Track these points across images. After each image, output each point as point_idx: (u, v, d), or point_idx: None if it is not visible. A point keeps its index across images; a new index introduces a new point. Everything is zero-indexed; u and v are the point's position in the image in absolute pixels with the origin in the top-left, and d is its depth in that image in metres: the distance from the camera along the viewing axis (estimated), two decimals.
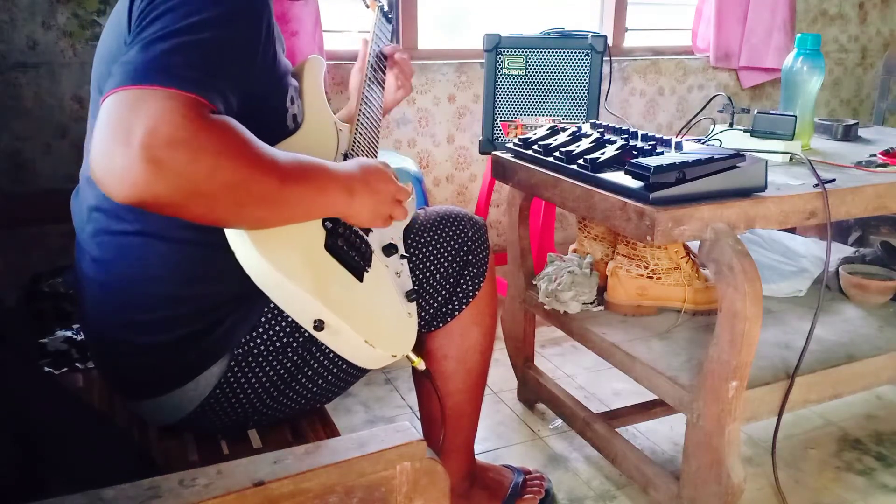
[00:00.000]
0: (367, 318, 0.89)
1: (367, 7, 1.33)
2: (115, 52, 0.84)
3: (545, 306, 1.57)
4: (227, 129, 0.73)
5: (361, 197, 0.88)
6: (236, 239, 0.80)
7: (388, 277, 0.99)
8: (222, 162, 0.70)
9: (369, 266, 0.95)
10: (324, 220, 0.90)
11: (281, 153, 0.79)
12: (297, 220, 0.83)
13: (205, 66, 0.74)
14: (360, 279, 0.92)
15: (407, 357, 0.96)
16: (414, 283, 1.09)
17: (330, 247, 0.89)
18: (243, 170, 0.73)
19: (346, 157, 1.05)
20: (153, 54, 0.72)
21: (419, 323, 1.12)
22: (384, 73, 1.27)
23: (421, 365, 0.99)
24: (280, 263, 0.80)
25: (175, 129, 0.68)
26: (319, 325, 0.83)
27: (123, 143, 0.66)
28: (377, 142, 1.17)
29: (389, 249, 1.02)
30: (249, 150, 0.74)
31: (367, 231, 1.00)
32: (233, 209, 0.74)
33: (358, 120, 1.12)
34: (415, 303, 1.03)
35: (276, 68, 0.93)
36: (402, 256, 1.06)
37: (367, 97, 1.17)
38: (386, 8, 1.33)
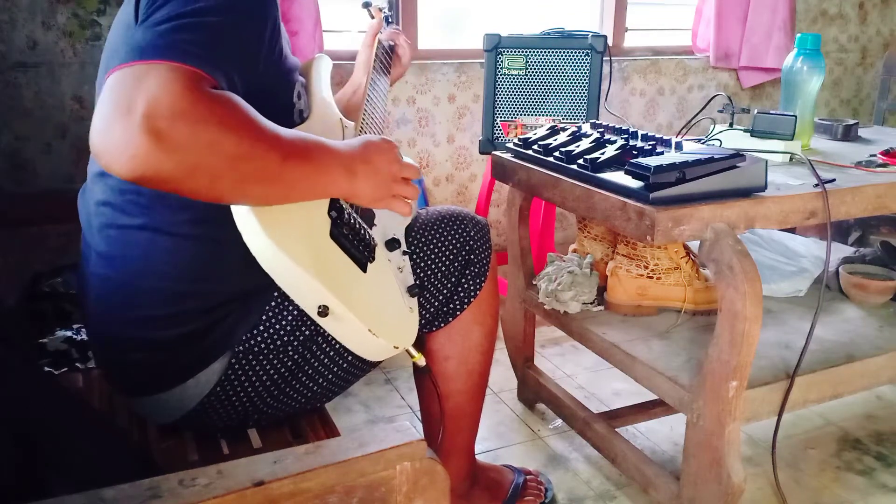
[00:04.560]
0: (370, 308, 0.89)
1: (372, 17, 1.36)
2: (121, 43, 0.84)
3: (545, 306, 1.57)
4: (229, 102, 0.72)
5: (363, 176, 0.87)
6: (245, 222, 0.80)
7: (391, 271, 1.00)
8: (224, 134, 0.70)
9: (373, 258, 0.95)
10: (329, 210, 0.90)
11: (284, 129, 0.78)
12: (299, 198, 0.82)
13: (209, 45, 0.74)
14: (364, 270, 0.92)
15: (407, 352, 0.96)
16: (415, 281, 1.09)
17: (335, 236, 0.89)
18: (245, 143, 0.72)
19: None
20: (157, 33, 0.73)
21: (420, 322, 1.12)
22: (389, 65, 1.29)
23: (421, 361, 0.99)
24: (287, 247, 0.81)
25: (176, 100, 0.67)
26: (324, 310, 0.83)
27: (124, 115, 0.66)
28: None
29: (392, 244, 1.02)
30: (252, 123, 0.74)
31: (371, 224, 1.00)
32: (234, 184, 0.74)
33: (363, 118, 1.12)
34: (416, 298, 1.03)
35: (283, 63, 0.93)
36: (405, 252, 1.06)
37: (371, 96, 1.18)
38: (391, 18, 1.36)
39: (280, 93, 0.94)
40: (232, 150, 0.71)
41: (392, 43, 1.34)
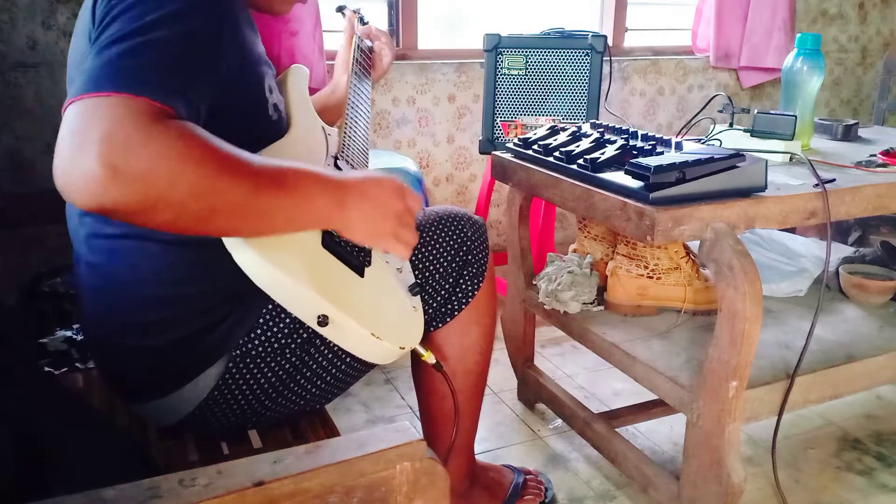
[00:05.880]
0: (371, 312, 0.88)
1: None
2: (84, 53, 0.84)
3: (545, 306, 1.57)
4: (186, 133, 0.70)
5: (356, 208, 0.82)
6: (232, 241, 0.79)
7: (390, 273, 0.99)
8: (183, 168, 0.68)
9: (369, 262, 0.95)
10: None
11: (257, 158, 0.75)
12: (279, 230, 0.79)
13: (160, 68, 0.72)
14: (361, 275, 0.92)
15: (416, 351, 0.96)
16: (416, 279, 1.08)
17: (328, 244, 0.89)
18: (208, 176, 0.69)
19: (336, 159, 1.05)
20: (107, 59, 0.71)
21: None
22: (369, 66, 1.29)
23: (431, 358, 0.98)
24: (278, 262, 0.80)
25: (130, 135, 0.66)
26: (323, 320, 0.83)
27: (80, 152, 0.66)
28: (368, 143, 1.18)
29: None
30: (215, 154, 0.71)
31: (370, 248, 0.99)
32: (202, 218, 0.71)
33: (346, 122, 1.12)
34: (419, 297, 1.02)
35: (248, 56, 0.91)
36: None
37: (353, 101, 1.18)
38: (366, 19, 1.36)
39: (250, 88, 0.92)
40: (193, 183, 0.68)
41: (370, 43, 1.34)
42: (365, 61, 1.29)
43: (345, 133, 1.10)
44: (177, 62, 0.74)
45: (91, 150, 0.65)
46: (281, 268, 0.80)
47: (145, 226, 0.70)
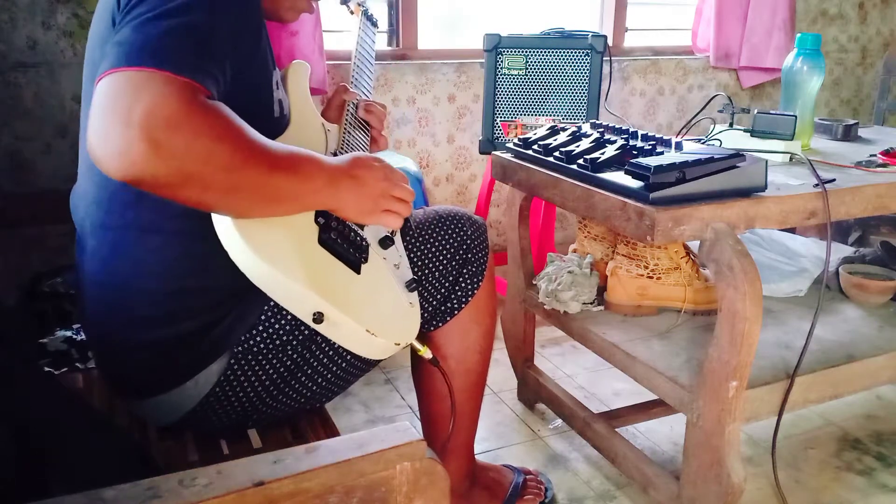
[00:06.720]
0: (366, 309, 0.89)
1: (352, 13, 1.34)
2: (104, 36, 0.84)
3: (545, 306, 1.57)
4: (221, 114, 0.74)
5: (347, 189, 0.88)
6: (228, 239, 0.80)
7: (387, 269, 0.99)
8: (218, 146, 0.72)
9: (366, 259, 0.95)
10: (316, 216, 0.90)
11: (272, 142, 0.80)
12: (285, 210, 0.83)
13: (198, 50, 0.76)
14: (358, 272, 0.92)
15: (412, 346, 0.96)
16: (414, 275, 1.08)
17: (324, 241, 0.89)
18: (238, 155, 0.74)
19: (335, 155, 1.05)
20: (147, 35, 0.74)
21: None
22: (370, 74, 1.29)
23: (427, 353, 0.99)
24: (273, 259, 0.80)
25: (173, 113, 0.69)
26: (319, 317, 0.83)
27: (123, 122, 0.68)
28: (367, 140, 1.18)
29: (386, 242, 1.01)
30: (243, 135, 0.76)
31: (362, 225, 1.00)
32: (224, 193, 0.76)
33: (346, 119, 1.12)
34: (416, 292, 1.03)
35: (260, 51, 0.93)
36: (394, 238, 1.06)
37: (353, 102, 1.18)
38: (370, 12, 1.34)
39: (260, 82, 0.94)
40: (225, 161, 0.73)
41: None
42: (367, 69, 1.27)
43: (344, 129, 1.10)
44: (209, 48, 0.78)
45: (134, 122, 0.68)
46: (277, 266, 0.80)
47: (171, 198, 0.74)
